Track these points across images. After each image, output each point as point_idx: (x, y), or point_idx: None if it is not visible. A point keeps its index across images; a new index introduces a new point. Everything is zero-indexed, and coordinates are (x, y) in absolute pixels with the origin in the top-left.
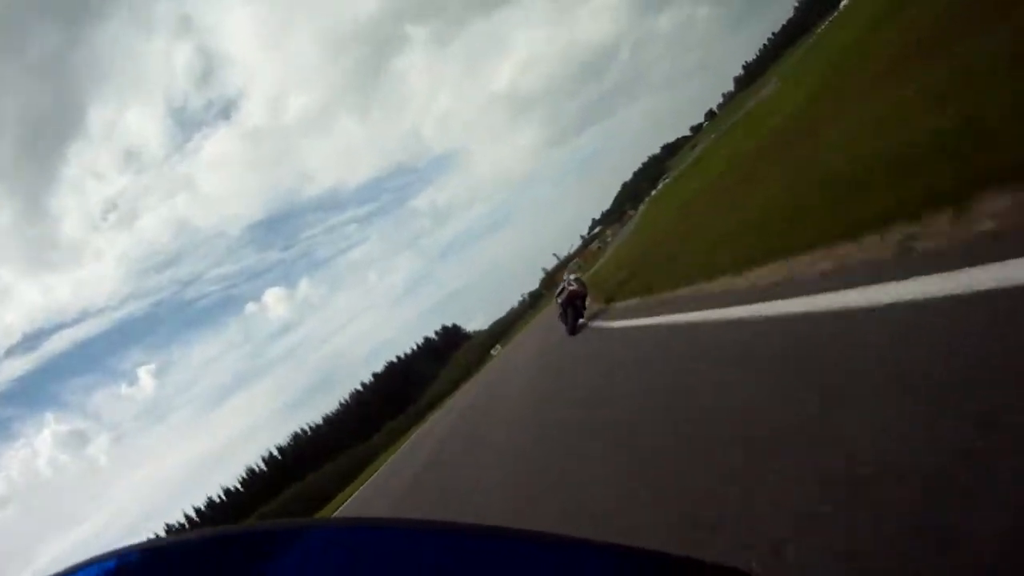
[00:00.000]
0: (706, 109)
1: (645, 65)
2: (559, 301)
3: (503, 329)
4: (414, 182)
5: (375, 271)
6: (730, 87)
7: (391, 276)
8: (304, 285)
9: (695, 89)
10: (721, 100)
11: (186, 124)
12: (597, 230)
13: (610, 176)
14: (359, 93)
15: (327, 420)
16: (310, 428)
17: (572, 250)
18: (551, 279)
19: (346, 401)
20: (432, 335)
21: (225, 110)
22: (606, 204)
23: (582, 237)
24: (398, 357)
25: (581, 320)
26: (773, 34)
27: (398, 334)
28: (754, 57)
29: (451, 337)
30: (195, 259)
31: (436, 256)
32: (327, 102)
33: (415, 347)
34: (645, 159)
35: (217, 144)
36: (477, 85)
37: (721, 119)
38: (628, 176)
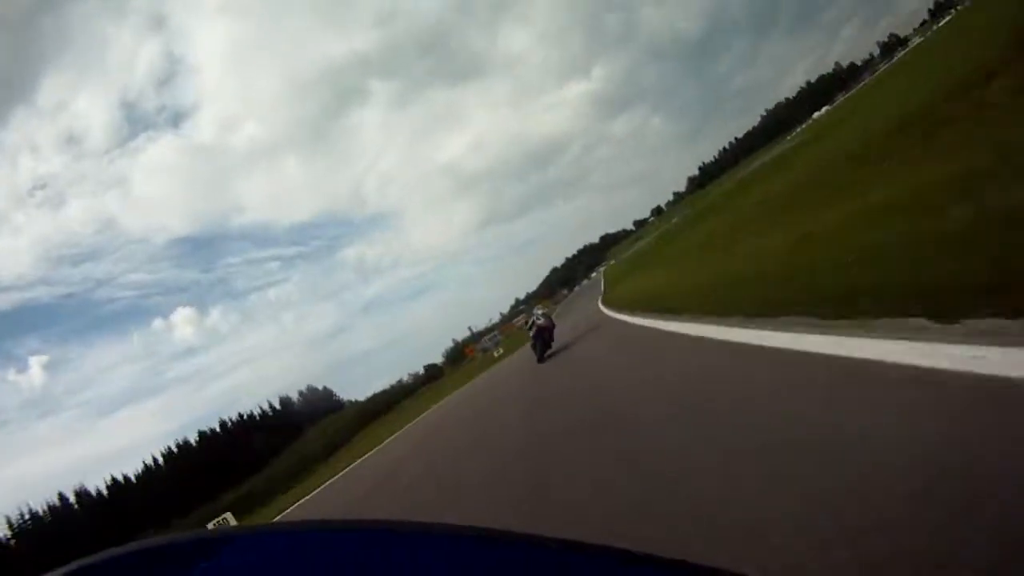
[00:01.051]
0: (652, 206)
1: (594, 162)
2: (531, 334)
3: (359, 420)
4: (346, 234)
5: (291, 314)
6: (682, 187)
7: (306, 323)
8: (216, 312)
9: (641, 189)
10: (672, 198)
11: (135, 121)
12: (522, 308)
13: (541, 261)
14: (311, 135)
15: (114, 488)
16: (85, 493)
17: (490, 324)
18: (460, 350)
19: (155, 463)
20: (295, 394)
21: (176, 118)
22: (532, 287)
23: (502, 314)
24: (241, 416)
25: (549, 351)
26: (736, 139)
27: (299, 381)
28: (713, 159)
29: (318, 403)
30: (114, 260)
31: (356, 311)
32: (277, 137)
33: (267, 408)
34: (581, 246)
35: (161, 149)
36: (426, 152)
37: (668, 214)
38: (560, 261)
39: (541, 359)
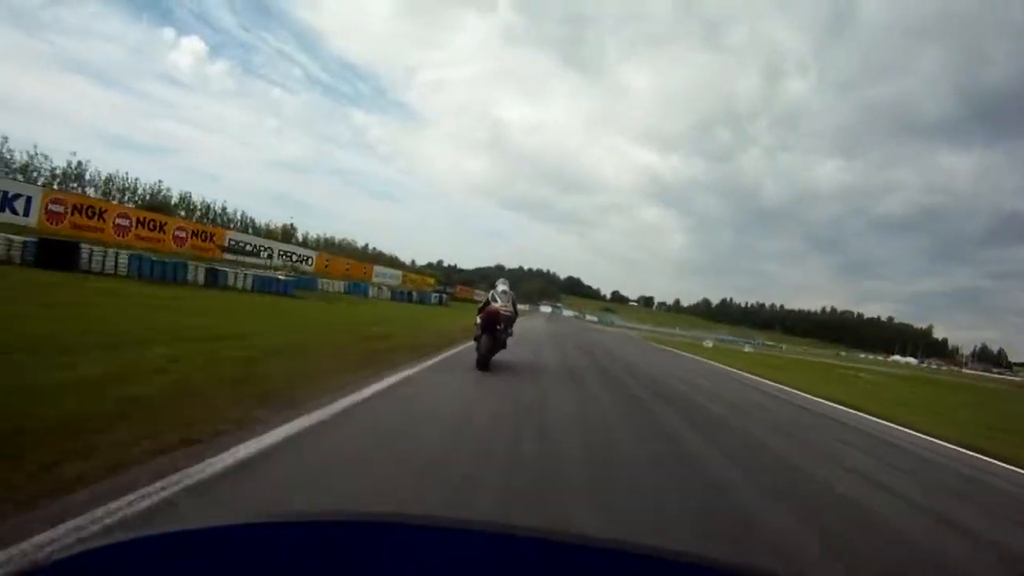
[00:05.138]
0: (636, 295)
1: (605, 221)
2: (477, 319)
3: None
4: (372, 100)
5: (276, 122)
6: (674, 298)
7: (279, 139)
8: (219, 67)
9: (621, 272)
10: (669, 303)
11: None
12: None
13: (497, 254)
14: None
15: None
16: None
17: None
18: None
19: None
20: None
21: None
22: (468, 265)
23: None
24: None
25: (498, 352)
26: (780, 307)
27: (237, 186)
28: (743, 305)
29: None
30: None
31: (323, 168)
32: None
33: None
34: (542, 269)
35: None
36: (491, 96)
37: (633, 310)
38: (512, 265)
39: (484, 365)
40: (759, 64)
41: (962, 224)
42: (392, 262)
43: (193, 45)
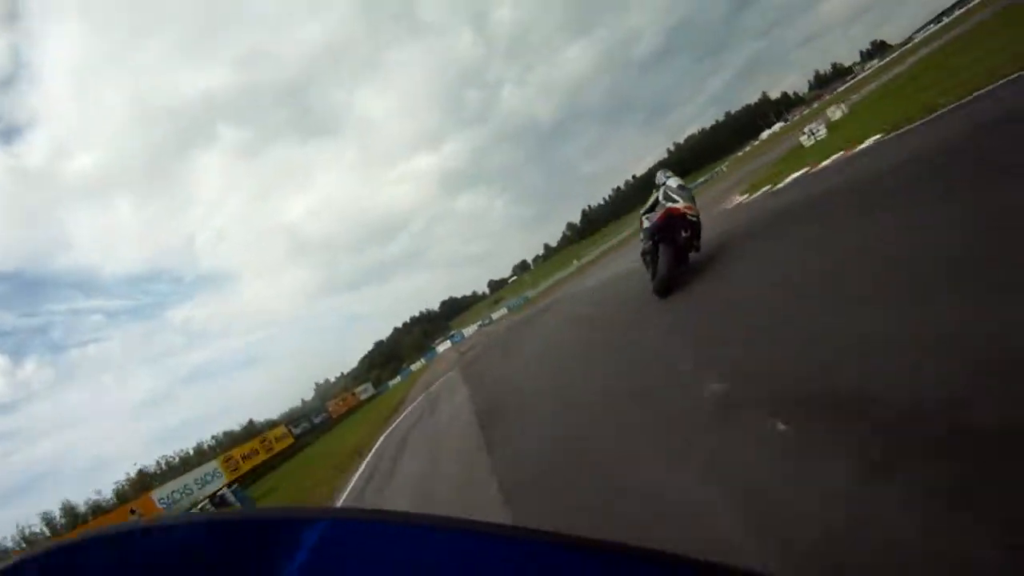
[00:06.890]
0: (491, 279)
1: (435, 238)
2: (644, 223)
3: None
4: (177, 292)
5: (112, 375)
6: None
7: (128, 386)
8: (31, 364)
9: (478, 268)
10: (524, 260)
11: None
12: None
13: (370, 335)
14: (148, 175)
15: None
16: None
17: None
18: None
19: None
20: None
21: (7, 133)
22: (351, 364)
23: (303, 400)
24: None
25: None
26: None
27: (119, 456)
28: (586, 209)
29: None
30: None
31: (182, 378)
32: (112, 171)
33: None
34: (415, 315)
35: None
36: (265, 210)
37: (520, 283)
38: (387, 332)
39: (664, 288)
40: (462, 19)
41: (710, 15)
42: (214, 449)
43: None
